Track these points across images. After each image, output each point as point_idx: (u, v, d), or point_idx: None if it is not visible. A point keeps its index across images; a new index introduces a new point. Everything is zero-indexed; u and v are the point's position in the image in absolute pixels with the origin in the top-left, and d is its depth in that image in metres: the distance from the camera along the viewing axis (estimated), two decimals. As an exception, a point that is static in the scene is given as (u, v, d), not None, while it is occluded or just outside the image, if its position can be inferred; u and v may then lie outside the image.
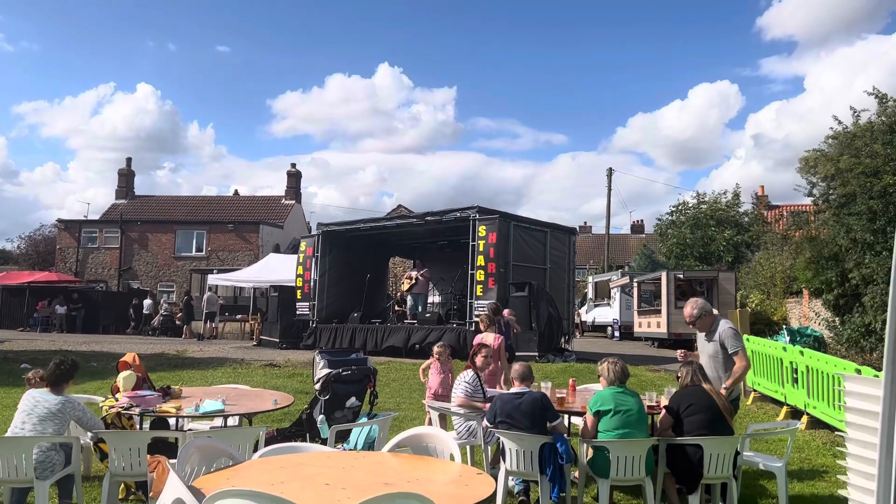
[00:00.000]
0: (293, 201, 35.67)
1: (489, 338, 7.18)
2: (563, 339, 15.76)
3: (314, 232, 18.92)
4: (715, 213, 30.57)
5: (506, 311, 9.18)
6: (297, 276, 17.80)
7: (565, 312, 16.23)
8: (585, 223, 53.97)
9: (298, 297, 17.61)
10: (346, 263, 17.80)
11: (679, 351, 5.43)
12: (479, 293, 13.79)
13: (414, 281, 16.40)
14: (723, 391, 4.80)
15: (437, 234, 17.98)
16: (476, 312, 13.11)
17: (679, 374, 4.82)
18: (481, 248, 13.93)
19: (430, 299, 17.92)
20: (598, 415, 4.50)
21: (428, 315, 15.88)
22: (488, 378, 6.85)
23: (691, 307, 5.23)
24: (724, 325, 5.14)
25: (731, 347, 5.03)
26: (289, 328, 17.87)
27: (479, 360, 5.77)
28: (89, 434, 4.84)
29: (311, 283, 17.40)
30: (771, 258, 22.68)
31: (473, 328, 13.30)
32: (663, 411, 4.74)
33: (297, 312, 17.63)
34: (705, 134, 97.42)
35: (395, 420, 6.61)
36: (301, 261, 17.82)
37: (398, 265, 30.35)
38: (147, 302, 26.49)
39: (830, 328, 15.06)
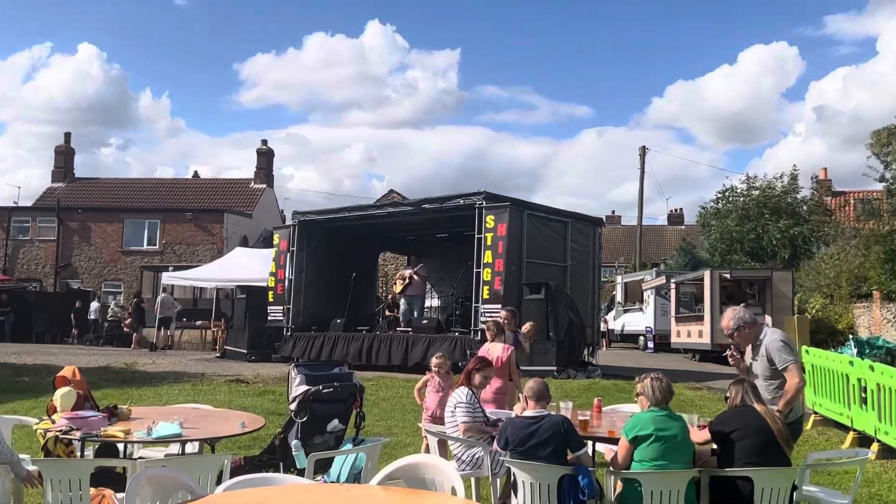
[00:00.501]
0: (264, 185, 35.83)
1: (496, 349, 7.24)
2: (586, 351, 15.86)
3: (289, 222, 19.01)
4: (768, 200, 30.64)
5: (526, 326, 9.21)
6: (269, 274, 17.94)
7: (589, 319, 16.29)
8: (614, 212, 54.32)
9: (270, 299, 17.71)
10: (327, 260, 17.88)
11: (729, 352, 5.26)
12: (485, 295, 13.85)
13: (408, 281, 16.53)
14: (776, 412, 4.75)
15: (436, 225, 18.03)
16: (482, 319, 13.26)
17: (728, 394, 4.79)
18: (489, 242, 14.00)
19: (427, 303, 18.07)
20: (636, 441, 4.47)
21: (425, 322, 15.96)
22: (495, 397, 6.91)
23: (728, 318, 5.21)
24: (770, 337, 5.11)
25: (781, 362, 4.99)
26: (259, 337, 18.00)
27: (476, 378, 5.78)
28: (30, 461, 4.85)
29: (286, 284, 17.45)
30: (836, 255, 22.68)
31: (479, 337, 13.35)
32: (702, 433, 4.74)
33: (269, 318, 17.72)
34: (758, 106, 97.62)
35: (385, 447, 6.67)
36: (274, 256, 17.95)
37: (389, 262, 30.49)
38: (94, 305, 26.55)
39: (907, 338, 15.39)
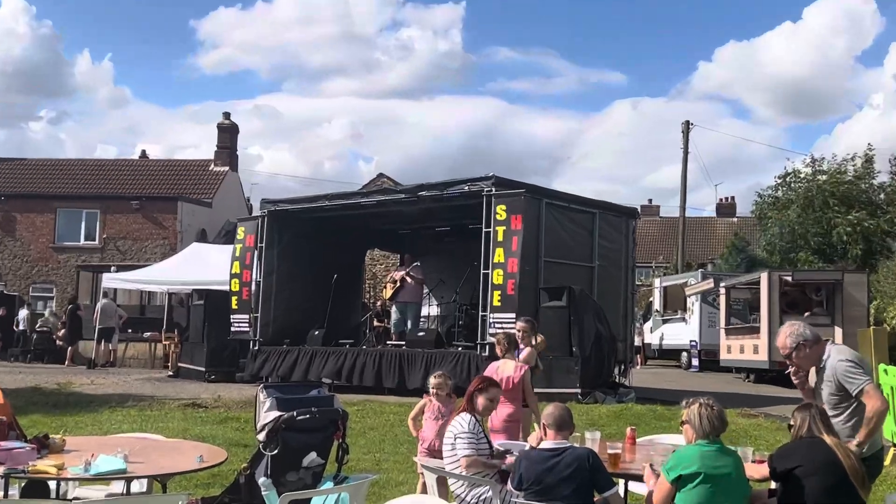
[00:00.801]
0: (227, 168, 35.82)
1: (507, 367, 7.31)
2: (616, 370, 15.94)
3: (257, 212, 18.94)
4: (838, 186, 30.60)
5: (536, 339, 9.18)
6: (233, 276, 17.91)
7: (621, 331, 16.31)
8: (651, 201, 54.57)
9: (234, 306, 17.74)
10: (303, 259, 17.94)
11: (792, 369, 5.25)
12: (496, 302, 13.88)
13: (399, 284, 16.60)
14: (852, 447, 4.75)
15: (436, 216, 18.07)
16: (492, 331, 13.23)
17: (791, 422, 4.80)
18: (500, 238, 14.04)
19: (424, 311, 18.16)
20: (679, 481, 4.41)
21: (421, 334, 15.96)
22: (507, 425, 6.99)
23: (784, 335, 5.18)
24: (835, 357, 5.08)
25: (854, 385, 4.94)
26: (220, 352, 18.04)
27: (480, 401, 5.81)
28: None
29: (253, 287, 17.47)
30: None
31: (487, 353, 13.39)
32: (759, 469, 4.74)
33: (233, 329, 17.73)
34: (827, 72, 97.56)
35: (373, 485, 6.65)
36: (238, 254, 17.96)
37: (378, 261, 30.61)
38: (22, 313, 26.50)
39: None
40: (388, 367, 15.21)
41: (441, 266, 18.56)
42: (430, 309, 18.61)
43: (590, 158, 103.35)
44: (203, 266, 22.01)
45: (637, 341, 24.06)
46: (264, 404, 5.78)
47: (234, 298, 17.77)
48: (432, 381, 6.80)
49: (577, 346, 13.84)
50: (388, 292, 17.20)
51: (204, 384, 16.89)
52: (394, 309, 17.10)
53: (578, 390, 13.52)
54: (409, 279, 16.60)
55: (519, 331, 8.17)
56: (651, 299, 30.79)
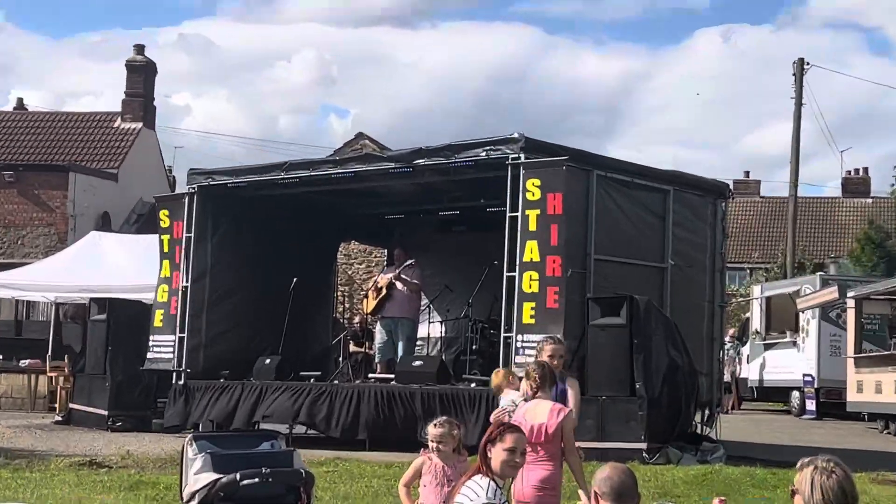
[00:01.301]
0: (139, 124, 35.74)
1: (541, 411, 7.32)
2: (699, 415, 15.84)
3: (183, 188, 18.94)
4: None
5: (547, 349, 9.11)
6: (162, 281, 18.03)
7: (704, 361, 16.21)
8: (748, 175, 54.13)
9: (158, 323, 17.82)
10: (248, 256, 18.00)
11: None
12: (527, 318, 13.91)
13: (386, 292, 16.70)
14: None
15: (440, 195, 18.10)
16: (519, 360, 13.20)
17: None
18: (532, 226, 14.03)
19: (422, 330, 18.10)
20: None
21: (418, 364, 15.91)
22: (540, 495, 6.99)
23: None
24: None
25: None
26: (130, 388, 18.02)
27: (498, 456, 5.58)
28: None
29: (180, 296, 17.47)
30: None
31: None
32: None
33: (149, 356, 17.70)
34: None
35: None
36: (167, 250, 18.05)
37: (357, 258, 30.68)
38: None
39: None
40: (371, 411, 15.11)
41: (447, 266, 18.52)
42: (431, 328, 18.23)
43: (660, 113, 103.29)
44: (106, 265, 21.78)
45: (727, 375, 23.70)
46: (194, 463, 5.80)
47: (158, 313, 17.79)
48: (433, 430, 6.77)
49: (643, 383, 13.65)
50: (369, 304, 17.16)
51: (106, 434, 16.76)
52: (378, 327, 17.07)
53: (644, 445, 13.38)
54: (399, 284, 16.56)
55: (550, 357, 8.26)
56: (748, 315, 30.59)
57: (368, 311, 17.70)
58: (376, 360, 17.15)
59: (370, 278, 18.64)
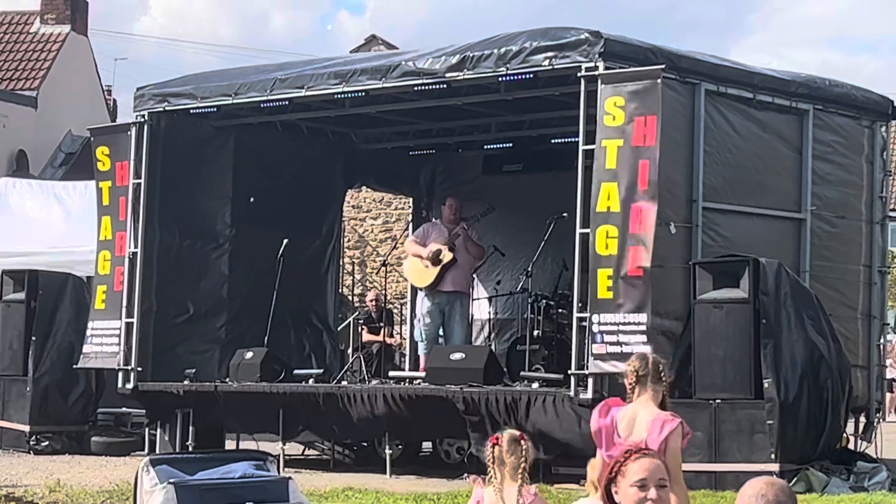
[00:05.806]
0: (67, 27, 34.29)
1: (640, 422, 7.07)
2: (851, 424, 14.99)
3: (130, 117, 17.50)
4: None
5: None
6: (101, 245, 17.00)
7: (859, 349, 15.36)
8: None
9: (99, 305, 16.70)
10: (220, 208, 17.55)
11: None
12: (603, 292, 13.02)
13: (451, 258, 15.81)
14: None
15: (483, 121, 17.88)
16: (598, 350, 12.73)
17: None
18: (612, 162, 13.06)
19: (471, 311, 17.29)
20: None
21: (458, 357, 14.59)
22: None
23: None
24: None
25: None
26: (59, 394, 17.39)
27: (629, 497, 4.79)
28: None
29: (127, 266, 16.32)
30: None
31: (591, 394, 12.77)
32: None
33: (86, 349, 16.67)
34: None
35: None
36: (108, 202, 16.99)
37: (371, 210, 30.26)
38: None
39: None
40: (393, 422, 14.58)
41: (496, 222, 17.09)
42: (476, 306, 17.53)
43: (800, 5, 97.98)
44: (21, 224, 21.43)
45: (890, 368, 23.57)
46: (152, 497, 6.59)
47: (99, 291, 16.66)
48: (494, 448, 6.36)
49: (773, 381, 12.79)
50: (425, 275, 15.84)
51: (28, 457, 16.32)
52: (426, 305, 15.91)
53: (776, 467, 12.31)
54: (469, 247, 15.82)
55: (633, 371, 7.45)
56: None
57: (424, 284, 16.18)
58: (422, 349, 16.02)
59: (390, 239, 17.03)
